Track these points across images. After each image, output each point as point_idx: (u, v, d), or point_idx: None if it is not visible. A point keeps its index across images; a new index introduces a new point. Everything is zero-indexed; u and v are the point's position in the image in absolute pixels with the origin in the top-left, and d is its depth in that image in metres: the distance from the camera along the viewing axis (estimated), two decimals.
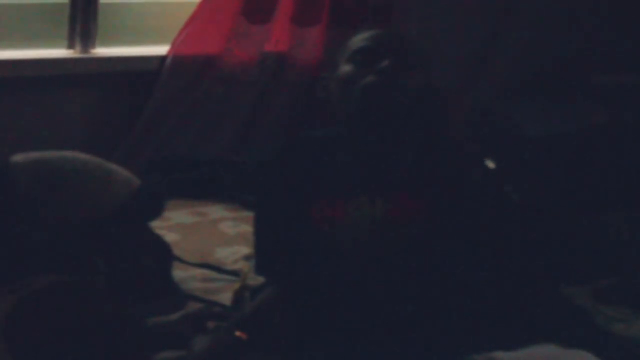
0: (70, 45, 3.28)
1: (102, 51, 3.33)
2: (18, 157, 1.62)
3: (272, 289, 2.06)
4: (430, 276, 1.97)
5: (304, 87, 3.60)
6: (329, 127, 2.18)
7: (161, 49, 3.42)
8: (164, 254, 2.16)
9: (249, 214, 3.06)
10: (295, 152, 2.16)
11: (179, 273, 2.45)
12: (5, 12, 3.16)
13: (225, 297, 2.36)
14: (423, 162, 2.06)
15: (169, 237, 2.57)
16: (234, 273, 2.55)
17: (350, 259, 2.01)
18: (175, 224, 2.86)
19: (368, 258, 2.00)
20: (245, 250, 2.70)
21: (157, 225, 1.99)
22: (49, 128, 3.10)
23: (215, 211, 3.13)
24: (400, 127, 2.05)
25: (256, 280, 2.38)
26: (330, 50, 3.56)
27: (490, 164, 2.03)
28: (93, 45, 3.31)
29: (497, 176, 2.05)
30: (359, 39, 2.09)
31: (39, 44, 3.23)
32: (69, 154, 1.65)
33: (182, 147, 3.43)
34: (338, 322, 1.96)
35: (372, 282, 1.98)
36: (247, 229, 2.93)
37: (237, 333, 1.94)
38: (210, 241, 2.84)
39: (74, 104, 3.25)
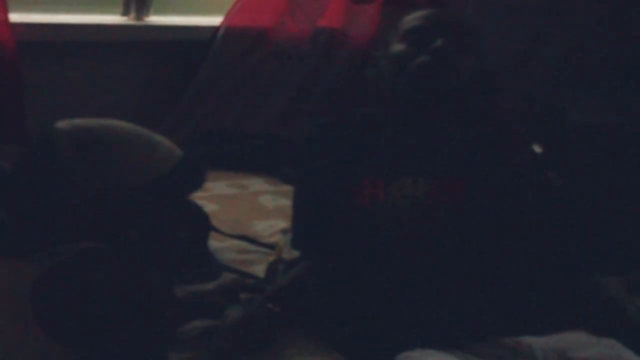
0: (125, 12, 3.30)
1: (156, 19, 3.36)
2: (62, 124, 1.63)
3: (305, 263, 2.07)
4: (468, 257, 1.96)
5: (356, 64, 3.59)
6: (376, 106, 2.17)
7: (215, 20, 3.43)
8: (202, 225, 2.17)
9: (289, 188, 3.07)
10: (340, 129, 2.13)
11: (215, 243, 2.47)
12: None
13: (260, 270, 2.37)
14: (469, 144, 2.03)
15: (209, 207, 2.58)
16: (270, 246, 2.55)
17: (389, 238, 1.99)
18: (215, 195, 2.87)
19: (407, 238, 1.98)
20: (283, 224, 2.71)
21: (197, 196, 2.00)
22: (100, 94, 3.14)
23: (256, 184, 3.14)
24: (450, 108, 2.02)
25: (291, 254, 2.39)
26: (384, 29, 3.55)
27: (537, 149, 2.00)
28: (148, 13, 3.33)
29: (542, 161, 2.01)
30: (412, 18, 2.05)
31: (94, 10, 3.26)
32: (112, 122, 1.66)
33: (229, 119, 3.45)
34: (370, 300, 1.95)
35: (410, 262, 1.96)
36: (286, 203, 2.93)
37: (270, 305, 1.95)
38: (248, 214, 2.84)
39: (127, 71, 3.28)
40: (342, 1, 3.56)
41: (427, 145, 2.03)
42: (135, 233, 1.59)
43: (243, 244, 2.58)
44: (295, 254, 2.29)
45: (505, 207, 1.97)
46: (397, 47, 2.01)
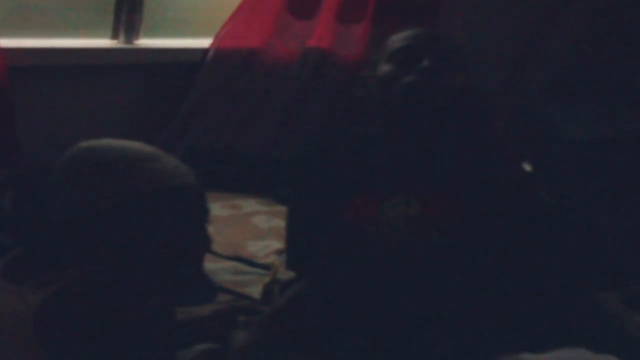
0: (115, 36, 3.31)
1: (145, 42, 3.36)
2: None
3: (301, 283, 2.07)
4: (463, 277, 1.96)
5: (345, 84, 3.60)
6: (366, 126, 2.17)
7: (204, 42, 3.44)
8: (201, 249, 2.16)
9: (283, 209, 3.07)
10: (332, 148, 2.14)
11: (210, 265, 2.47)
12: (52, 1, 3.18)
13: (255, 291, 2.37)
14: (460, 162, 2.04)
15: None
16: (265, 267, 2.55)
17: (383, 258, 1.99)
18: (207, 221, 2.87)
19: (401, 257, 1.99)
20: (277, 244, 2.71)
21: None
22: (90, 117, 3.13)
23: (249, 205, 3.15)
24: (439, 127, 2.03)
25: (287, 275, 2.39)
26: (372, 48, 3.57)
27: (527, 167, 2.01)
28: (137, 36, 3.33)
29: (533, 179, 2.02)
30: (398, 38, 2.07)
31: (83, 34, 3.25)
32: (111, 142, 1.65)
33: (220, 140, 3.45)
34: (367, 320, 1.95)
35: (404, 282, 1.96)
36: (280, 223, 2.93)
37: (273, 327, 1.94)
38: (242, 234, 2.85)
39: (117, 94, 3.27)
40: (330, 21, 3.58)
41: (419, 163, 2.04)
42: (130, 256, 1.58)
43: (238, 265, 2.58)
44: (291, 274, 2.29)
45: (497, 226, 1.97)
46: (385, 67, 2.04)
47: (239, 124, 3.49)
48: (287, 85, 3.54)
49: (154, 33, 3.39)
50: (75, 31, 3.23)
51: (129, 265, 1.56)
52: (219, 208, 3.00)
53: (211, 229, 2.43)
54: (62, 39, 3.19)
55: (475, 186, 2.01)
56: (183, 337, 1.90)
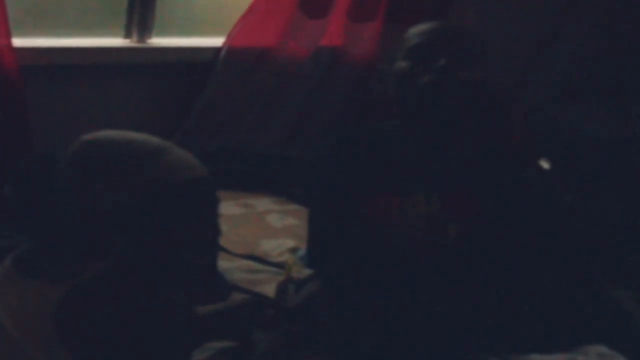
0: (127, 35, 3.31)
1: (158, 41, 3.36)
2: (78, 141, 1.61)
3: (317, 281, 2.06)
4: (480, 274, 1.95)
5: (358, 82, 3.59)
6: (386, 121, 2.15)
7: (217, 41, 3.44)
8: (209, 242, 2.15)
9: (296, 207, 3.10)
10: (351, 145, 2.12)
11: (224, 264, 2.47)
12: (65, 1, 3.19)
13: (269, 289, 2.36)
14: (480, 159, 2.03)
15: None
16: (279, 265, 2.55)
17: (402, 256, 1.99)
18: (222, 215, 2.86)
19: (421, 254, 1.98)
20: (291, 243, 2.71)
21: None
22: (103, 116, 3.11)
23: (263, 204, 3.15)
24: (456, 125, 2.02)
25: (301, 273, 2.39)
26: (386, 46, 3.56)
27: (545, 165, 2.00)
28: (150, 35, 3.33)
29: (551, 177, 2.01)
30: (415, 33, 2.05)
31: (96, 33, 3.26)
32: (123, 134, 1.64)
33: (233, 139, 3.45)
34: (385, 318, 1.94)
35: (423, 279, 1.96)
36: (294, 221, 2.95)
37: (292, 327, 1.93)
38: (256, 233, 2.85)
39: (130, 94, 3.28)
40: (342, 20, 3.58)
41: (437, 160, 2.03)
42: (149, 252, 1.57)
43: (252, 264, 2.58)
44: (306, 272, 2.29)
45: (516, 224, 1.96)
46: (401, 64, 2.02)
47: (252, 123, 3.49)
48: (300, 83, 3.54)
49: (166, 32, 3.39)
50: (88, 31, 3.23)
51: (145, 259, 1.56)
52: (232, 207, 3.00)
53: (225, 228, 2.44)
54: (76, 38, 3.19)
55: (494, 184, 1.99)
56: (202, 333, 1.90)
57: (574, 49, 3.76)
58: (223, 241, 2.45)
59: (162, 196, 1.55)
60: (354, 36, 3.60)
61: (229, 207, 2.99)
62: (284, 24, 3.49)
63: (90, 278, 1.49)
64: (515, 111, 2.01)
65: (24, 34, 3.01)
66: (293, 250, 2.70)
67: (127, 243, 1.54)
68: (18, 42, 2.87)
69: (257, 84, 3.47)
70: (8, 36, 2.85)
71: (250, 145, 3.46)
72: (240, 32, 3.43)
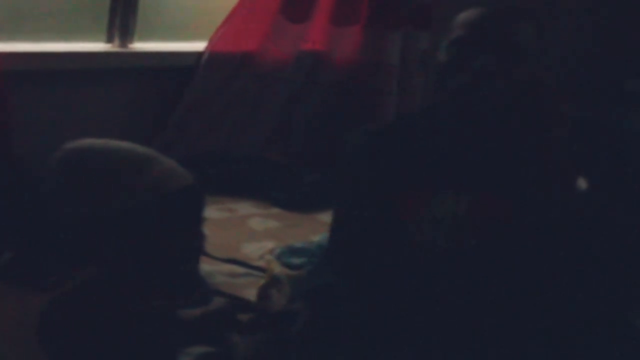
0: (109, 39, 3.31)
1: (140, 46, 3.36)
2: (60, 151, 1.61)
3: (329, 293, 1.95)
4: (498, 285, 1.85)
5: (340, 86, 3.60)
6: (416, 112, 2.03)
7: (199, 45, 3.44)
8: (194, 249, 2.16)
9: (278, 211, 3.12)
10: (383, 138, 1.97)
11: (206, 267, 2.47)
12: (46, 5, 3.19)
13: (251, 293, 2.37)
14: (515, 162, 1.89)
15: None
16: (260, 269, 2.56)
17: (427, 255, 1.88)
18: (205, 220, 2.88)
19: (445, 255, 1.88)
20: (272, 245, 2.73)
21: None
22: (85, 121, 3.13)
23: (245, 207, 3.17)
24: (494, 125, 1.89)
25: (281, 270, 2.40)
26: (366, 50, 3.57)
27: (583, 183, 1.85)
28: (131, 40, 3.33)
29: (586, 198, 1.85)
30: (460, 22, 1.87)
31: (78, 38, 3.26)
32: (118, 145, 1.64)
33: (215, 143, 3.46)
34: (409, 321, 1.85)
35: (446, 281, 1.86)
36: (275, 224, 2.97)
37: (275, 333, 1.92)
38: (238, 237, 2.87)
39: (111, 98, 3.28)
40: (324, 24, 3.59)
41: (472, 160, 1.92)
42: (131, 259, 1.58)
43: (233, 268, 2.58)
44: (283, 269, 2.30)
45: (542, 234, 1.85)
46: (442, 57, 1.88)
47: (233, 127, 3.49)
48: (282, 88, 3.55)
49: (148, 37, 3.39)
50: (70, 35, 3.23)
51: (131, 267, 1.56)
52: (214, 211, 3.00)
53: (207, 232, 2.45)
54: (57, 42, 3.19)
55: (526, 187, 1.86)
56: (184, 337, 1.90)
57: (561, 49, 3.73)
58: (205, 245, 2.47)
59: (151, 205, 1.56)
60: (335, 40, 3.61)
61: (211, 212, 2.97)
62: (265, 28, 3.49)
63: (74, 287, 1.50)
64: (563, 117, 1.83)
65: (5, 38, 3.01)
66: (272, 250, 2.72)
67: (114, 251, 1.54)
68: None
69: (239, 88, 3.48)
70: None
71: (232, 150, 3.46)
72: (222, 36, 3.43)
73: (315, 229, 2.97)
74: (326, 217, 3.09)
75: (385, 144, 1.95)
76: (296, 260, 2.64)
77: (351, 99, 3.62)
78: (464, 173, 1.90)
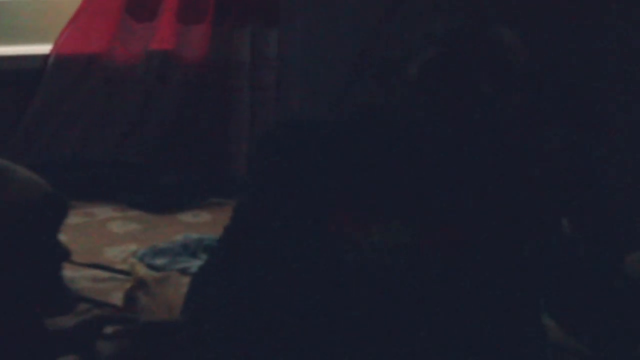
0: None
1: None
2: None
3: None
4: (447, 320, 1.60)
5: (191, 85, 3.59)
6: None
7: (44, 48, 3.37)
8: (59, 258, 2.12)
9: (137, 213, 3.11)
10: (314, 140, 1.68)
11: (68, 273, 2.42)
12: None
13: (117, 297, 2.35)
14: (483, 195, 1.64)
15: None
16: (124, 272, 2.54)
17: (358, 288, 1.61)
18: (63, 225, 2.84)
19: (379, 286, 1.61)
20: (134, 248, 2.72)
21: None
22: None
23: (103, 211, 3.14)
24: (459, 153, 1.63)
25: (146, 272, 2.39)
26: (216, 48, 3.57)
27: (565, 224, 1.64)
28: None
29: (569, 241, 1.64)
30: (434, 39, 1.60)
31: None
32: None
33: (67, 148, 3.40)
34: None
35: (379, 318, 1.60)
36: (136, 227, 2.97)
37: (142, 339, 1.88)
38: (99, 241, 2.84)
39: None
40: (171, 22, 3.56)
41: (426, 188, 1.66)
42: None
43: (97, 272, 2.56)
44: (148, 271, 2.29)
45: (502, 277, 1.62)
46: (412, 71, 1.61)
47: (85, 131, 3.44)
48: (132, 89, 3.51)
49: None
50: None
51: None
52: (72, 216, 2.93)
53: (66, 238, 2.41)
54: None
55: (488, 229, 1.62)
56: (49, 349, 1.87)
57: None
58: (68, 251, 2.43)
59: (11, 217, 1.53)
60: (184, 39, 3.58)
61: (69, 217, 2.92)
62: (111, 28, 3.44)
63: None
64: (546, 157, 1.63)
65: None
66: (134, 252, 2.70)
67: None
68: None
69: (89, 90, 3.42)
70: None
71: (85, 154, 3.41)
72: (67, 38, 3.37)
73: (176, 229, 2.97)
74: (186, 218, 3.13)
75: (318, 146, 1.68)
76: (160, 261, 2.64)
77: (203, 97, 3.61)
78: (415, 200, 1.65)
